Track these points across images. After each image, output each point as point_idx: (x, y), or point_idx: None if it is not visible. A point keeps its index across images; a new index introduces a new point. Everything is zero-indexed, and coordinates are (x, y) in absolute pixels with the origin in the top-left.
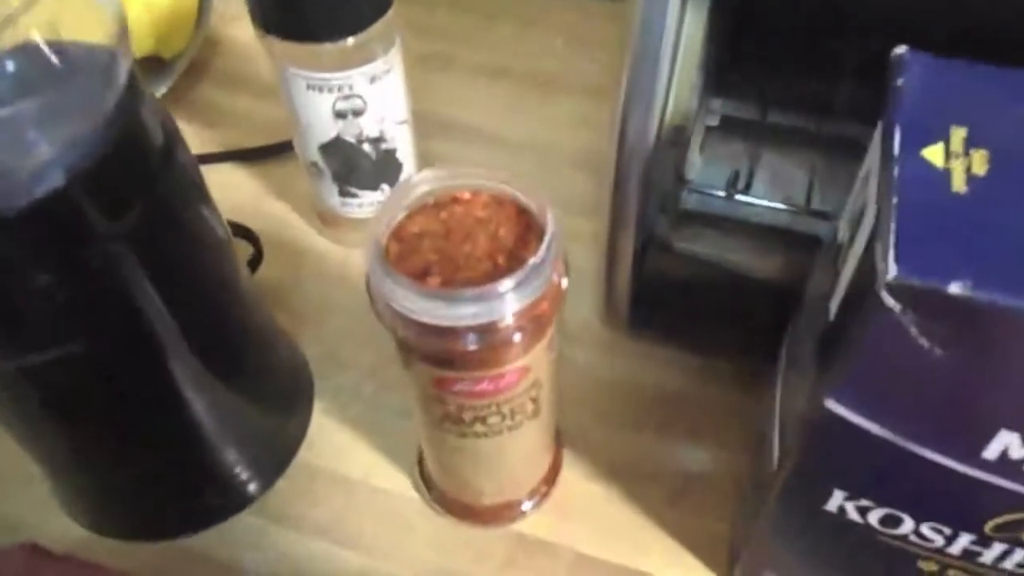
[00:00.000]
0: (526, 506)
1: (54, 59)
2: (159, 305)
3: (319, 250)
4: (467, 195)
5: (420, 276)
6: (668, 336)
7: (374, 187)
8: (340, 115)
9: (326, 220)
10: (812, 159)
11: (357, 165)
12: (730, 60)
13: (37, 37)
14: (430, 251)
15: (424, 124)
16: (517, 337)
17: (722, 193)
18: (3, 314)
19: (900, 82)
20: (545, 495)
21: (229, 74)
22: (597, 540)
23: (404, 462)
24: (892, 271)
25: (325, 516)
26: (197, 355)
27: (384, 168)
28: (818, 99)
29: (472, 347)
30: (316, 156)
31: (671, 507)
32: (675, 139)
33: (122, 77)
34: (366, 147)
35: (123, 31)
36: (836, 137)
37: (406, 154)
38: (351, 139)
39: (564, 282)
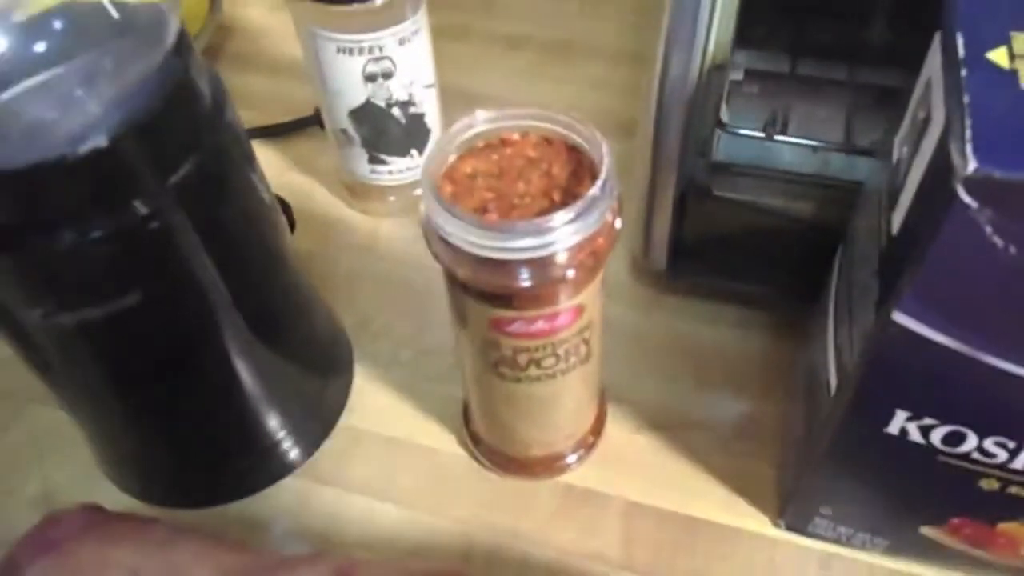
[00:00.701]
0: (571, 459)
1: (108, 15)
2: (209, 264)
3: (348, 221)
4: (516, 136)
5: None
6: (706, 285)
7: (403, 153)
8: (370, 78)
9: (354, 191)
10: (845, 105)
11: (387, 130)
12: (756, 12)
13: None
14: (485, 190)
15: (445, 95)
16: (571, 273)
17: (761, 135)
18: (64, 264)
19: None
20: (591, 446)
21: (242, 56)
22: (646, 488)
23: (448, 422)
24: (972, 164)
25: (369, 473)
26: (244, 316)
27: (413, 133)
28: (847, 48)
29: (527, 283)
30: (346, 123)
31: (718, 455)
32: (715, 78)
33: (171, 34)
34: (395, 111)
35: None
36: (867, 85)
37: (434, 119)
38: (381, 103)
39: (618, 222)
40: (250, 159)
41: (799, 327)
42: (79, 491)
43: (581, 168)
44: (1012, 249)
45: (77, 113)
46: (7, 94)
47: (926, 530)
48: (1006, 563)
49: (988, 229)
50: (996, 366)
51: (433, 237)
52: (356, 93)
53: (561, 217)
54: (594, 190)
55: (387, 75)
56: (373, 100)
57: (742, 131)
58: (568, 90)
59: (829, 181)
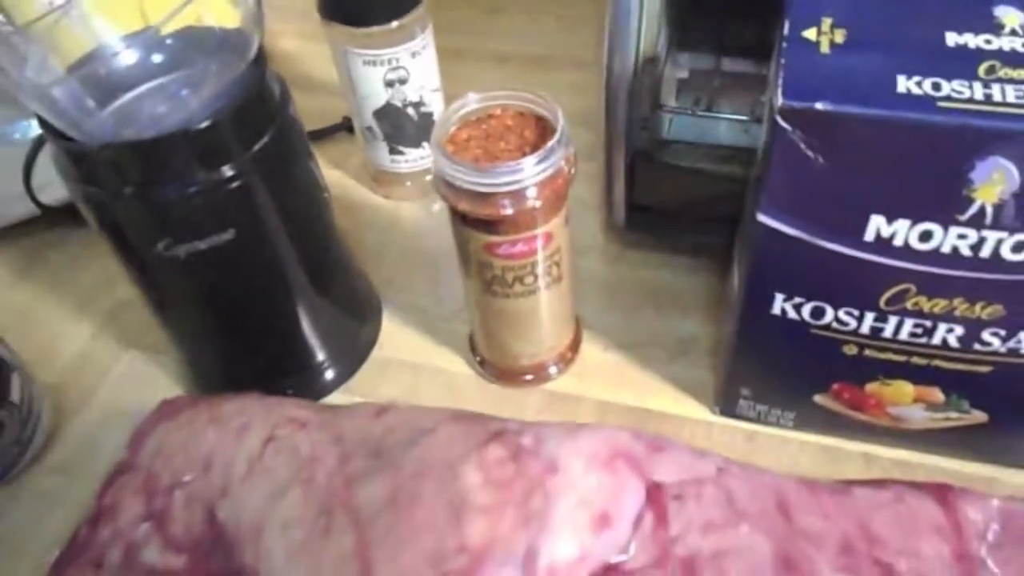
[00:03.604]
0: (552, 370)
1: (208, 37)
2: (276, 213)
3: (373, 205)
4: (498, 111)
5: None
6: (658, 236)
7: (417, 144)
8: (389, 84)
9: (377, 180)
10: (754, 90)
11: (403, 126)
12: (691, 20)
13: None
14: (476, 149)
15: (449, 102)
16: (539, 204)
17: (688, 111)
18: (176, 209)
19: None
20: (570, 361)
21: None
22: (614, 391)
23: (458, 350)
24: (780, 100)
25: (397, 390)
26: (301, 263)
27: (424, 127)
28: (756, 47)
29: (508, 210)
30: (371, 121)
31: (670, 364)
32: (648, 69)
33: (253, 50)
34: (410, 111)
35: (254, 17)
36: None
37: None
38: (398, 104)
39: (572, 170)
40: (304, 141)
41: (731, 267)
42: None
43: (546, 132)
44: (820, 159)
45: (182, 109)
46: (133, 93)
47: (819, 398)
48: (884, 424)
49: (802, 146)
50: (829, 248)
51: (440, 182)
52: (378, 97)
53: (529, 160)
54: (552, 142)
55: (403, 81)
56: (392, 102)
57: (674, 107)
58: (550, 94)
59: (745, 151)
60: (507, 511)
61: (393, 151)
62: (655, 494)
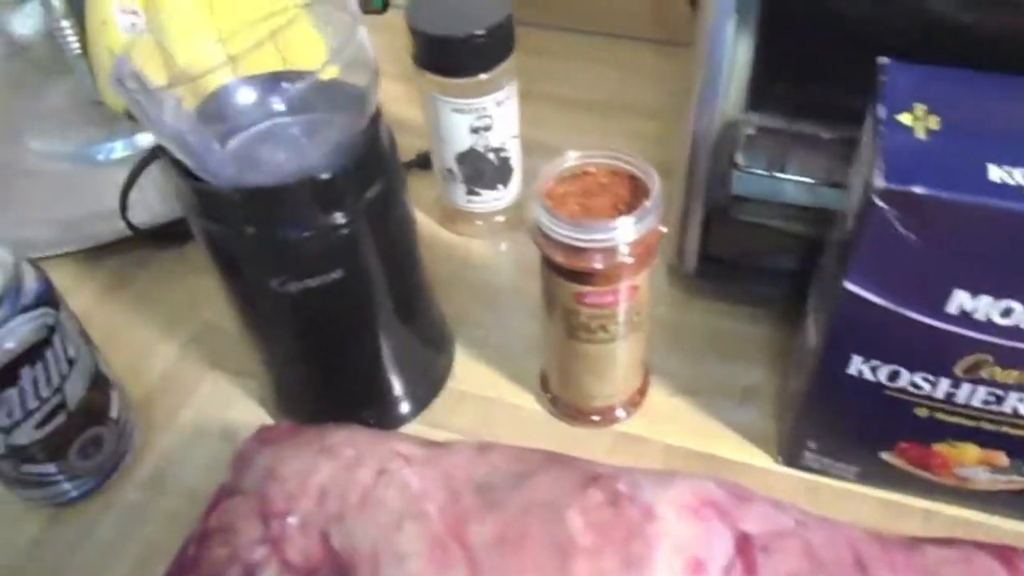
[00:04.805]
0: (620, 413)
1: (338, 91)
2: (376, 256)
3: (446, 241)
4: (593, 169)
5: None
6: (726, 287)
7: (493, 187)
8: (474, 131)
9: (452, 217)
10: (826, 152)
11: (483, 170)
12: (763, 80)
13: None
14: (573, 204)
15: None
16: (629, 260)
17: (765, 172)
18: (293, 250)
19: (883, 78)
20: (638, 404)
21: None
22: (680, 435)
23: (528, 386)
24: (880, 182)
25: (469, 424)
26: (392, 298)
27: (501, 171)
28: (828, 110)
29: (599, 265)
30: (452, 164)
31: (734, 411)
32: (729, 132)
33: (372, 106)
34: (490, 155)
35: (374, 78)
36: (843, 138)
37: (516, 160)
38: (480, 149)
39: (663, 228)
40: (405, 183)
41: (796, 318)
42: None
43: (638, 191)
44: (912, 237)
45: (301, 156)
46: (251, 131)
47: (884, 455)
48: (947, 483)
49: (896, 224)
50: (912, 317)
51: (537, 232)
52: (463, 142)
53: (624, 221)
54: (647, 203)
55: (487, 128)
56: (475, 147)
57: (752, 170)
58: (610, 140)
59: (818, 208)
60: (609, 553)
61: (471, 192)
62: (743, 545)
